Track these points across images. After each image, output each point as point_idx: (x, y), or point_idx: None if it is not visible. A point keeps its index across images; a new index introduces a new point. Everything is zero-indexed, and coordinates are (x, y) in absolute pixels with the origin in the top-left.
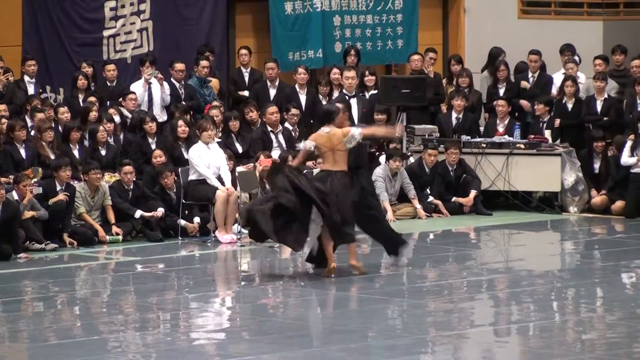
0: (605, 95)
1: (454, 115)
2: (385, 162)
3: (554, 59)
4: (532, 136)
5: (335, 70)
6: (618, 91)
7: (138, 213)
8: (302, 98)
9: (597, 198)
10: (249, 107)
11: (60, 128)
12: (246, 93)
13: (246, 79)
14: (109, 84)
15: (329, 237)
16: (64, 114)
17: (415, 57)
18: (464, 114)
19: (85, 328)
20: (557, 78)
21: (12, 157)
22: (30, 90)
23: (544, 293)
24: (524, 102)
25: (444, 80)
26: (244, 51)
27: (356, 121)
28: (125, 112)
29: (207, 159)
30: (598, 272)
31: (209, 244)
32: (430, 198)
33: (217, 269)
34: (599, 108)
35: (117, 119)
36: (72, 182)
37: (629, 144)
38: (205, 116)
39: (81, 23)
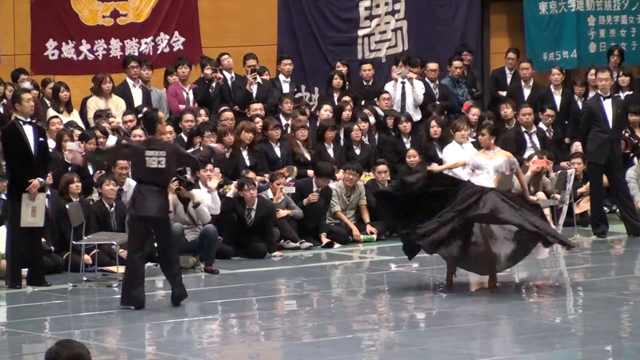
0: None
1: None
2: (638, 162)
3: None
4: None
5: (592, 70)
6: None
7: None
8: (557, 99)
9: None
10: (506, 104)
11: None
12: (504, 93)
13: (508, 79)
14: (365, 83)
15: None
16: (327, 112)
17: None
18: None
19: (339, 326)
20: None
21: (267, 155)
22: (285, 89)
23: None
24: None
25: None
26: (512, 54)
27: (610, 123)
28: (380, 112)
29: (461, 159)
30: None
31: None
32: None
33: None
34: None
35: (372, 119)
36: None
37: None
38: (461, 116)
39: (336, 23)
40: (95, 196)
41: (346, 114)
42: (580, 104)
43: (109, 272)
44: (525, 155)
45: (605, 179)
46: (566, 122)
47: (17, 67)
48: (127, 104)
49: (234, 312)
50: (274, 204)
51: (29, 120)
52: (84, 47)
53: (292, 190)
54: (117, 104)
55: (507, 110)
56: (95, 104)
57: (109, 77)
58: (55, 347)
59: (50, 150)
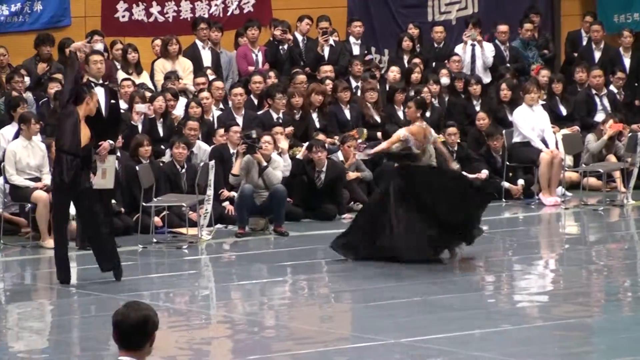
0: None
1: None
2: None
3: None
4: None
5: None
6: None
7: None
8: (626, 61)
9: None
10: (581, 67)
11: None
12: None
13: (584, 42)
14: (436, 45)
15: None
16: (393, 73)
17: None
18: None
19: (407, 289)
20: None
21: (337, 118)
22: (355, 51)
23: None
24: None
25: None
26: (588, 18)
27: None
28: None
29: (532, 121)
30: None
31: (532, 206)
32: None
33: (541, 231)
34: None
35: (443, 80)
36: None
37: None
38: (531, 78)
39: None
40: (166, 158)
41: (415, 76)
42: None
43: (179, 234)
44: (597, 118)
45: None
46: (636, 84)
47: (88, 29)
48: (197, 65)
49: (303, 274)
50: (344, 166)
51: (100, 82)
52: (155, 9)
53: (366, 157)
54: (183, 66)
55: (582, 75)
56: (162, 66)
57: (175, 39)
58: (122, 309)
59: (122, 112)
